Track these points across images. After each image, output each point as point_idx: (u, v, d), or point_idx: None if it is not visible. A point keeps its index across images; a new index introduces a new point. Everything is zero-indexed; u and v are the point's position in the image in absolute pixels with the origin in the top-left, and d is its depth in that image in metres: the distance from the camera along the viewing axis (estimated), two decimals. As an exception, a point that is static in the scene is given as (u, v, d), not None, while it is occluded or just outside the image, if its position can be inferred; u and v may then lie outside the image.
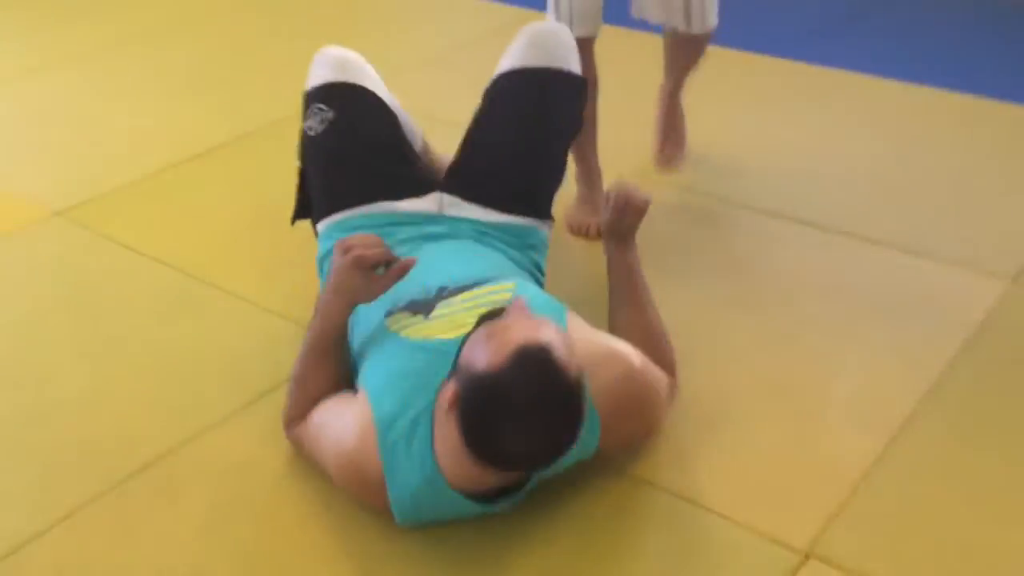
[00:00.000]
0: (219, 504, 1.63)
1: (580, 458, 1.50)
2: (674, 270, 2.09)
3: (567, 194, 2.14)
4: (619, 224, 1.74)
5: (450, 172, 1.94)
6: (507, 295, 1.58)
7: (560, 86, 1.92)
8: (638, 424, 1.58)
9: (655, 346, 1.67)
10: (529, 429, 1.33)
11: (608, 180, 2.15)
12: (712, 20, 2.13)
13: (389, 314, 1.62)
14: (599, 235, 1.98)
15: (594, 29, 2.12)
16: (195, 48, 3.42)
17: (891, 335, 1.93)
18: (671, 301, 1.84)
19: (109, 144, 2.81)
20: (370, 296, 1.60)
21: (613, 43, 2.32)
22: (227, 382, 1.88)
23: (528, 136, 1.89)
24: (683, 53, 2.28)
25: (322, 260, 1.90)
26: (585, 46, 2.07)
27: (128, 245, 2.32)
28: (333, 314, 1.60)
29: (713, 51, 2.30)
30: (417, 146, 2.05)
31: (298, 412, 1.64)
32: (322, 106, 1.92)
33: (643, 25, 2.19)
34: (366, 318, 1.66)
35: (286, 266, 2.20)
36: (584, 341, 1.50)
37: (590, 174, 2.25)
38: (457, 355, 1.42)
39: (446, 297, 1.60)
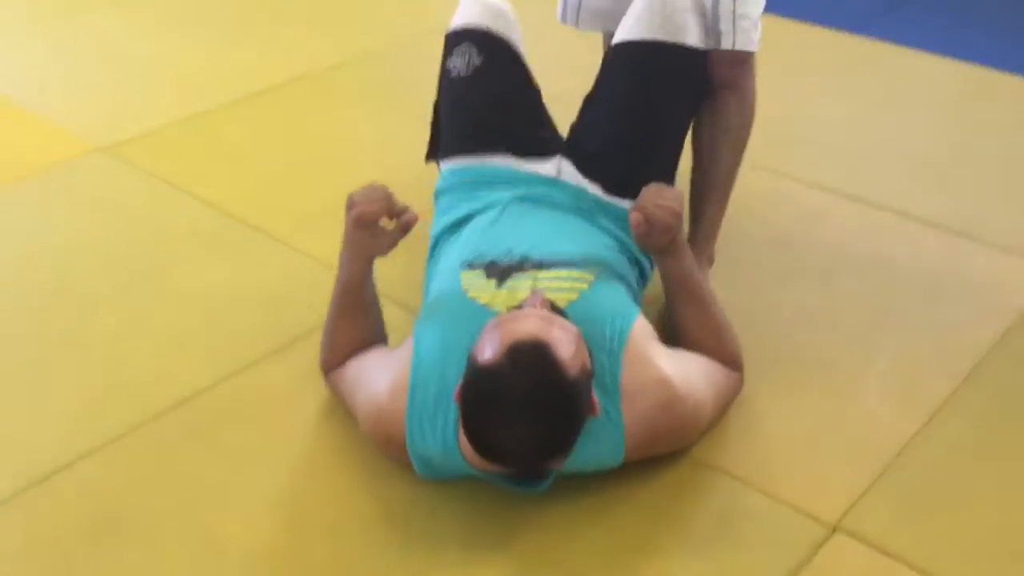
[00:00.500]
0: (251, 445, 1.64)
1: (603, 467, 1.49)
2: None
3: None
4: (649, 245, 1.62)
5: (570, 142, 1.89)
6: (583, 284, 1.55)
7: (676, 65, 1.79)
8: (668, 447, 1.55)
9: (715, 345, 1.63)
10: (514, 426, 1.32)
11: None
12: (755, 37, 1.79)
13: (468, 266, 1.61)
14: None
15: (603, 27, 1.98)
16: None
17: (931, 316, 1.91)
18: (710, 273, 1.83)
19: (155, 83, 2.82)
20: (380, 250, 1.60)
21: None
22: (262, 324, 1.90)
23: (637, 127, 1.82)
24: (727, 124, 1.86)
25: (438, 195, 1.89)
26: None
27: (171, 182, 2.33)
28: (351, 268, 1.61)
29: (763, 19, 2.25)
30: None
31: (331, 361, 1.66)
32: (472, 50, 1.87)
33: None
34: (447, 263, 1.66)
35: (327, 212, 2.18)
36: (638, 360, 1.47)
37: None
38: None
39: (525, 269, 1.57)
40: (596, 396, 1.40)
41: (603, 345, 1.46)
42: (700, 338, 1.63)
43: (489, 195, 1.78)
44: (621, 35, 1.82)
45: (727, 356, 1.64)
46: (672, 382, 1.49)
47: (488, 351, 1.33)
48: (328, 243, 2.09)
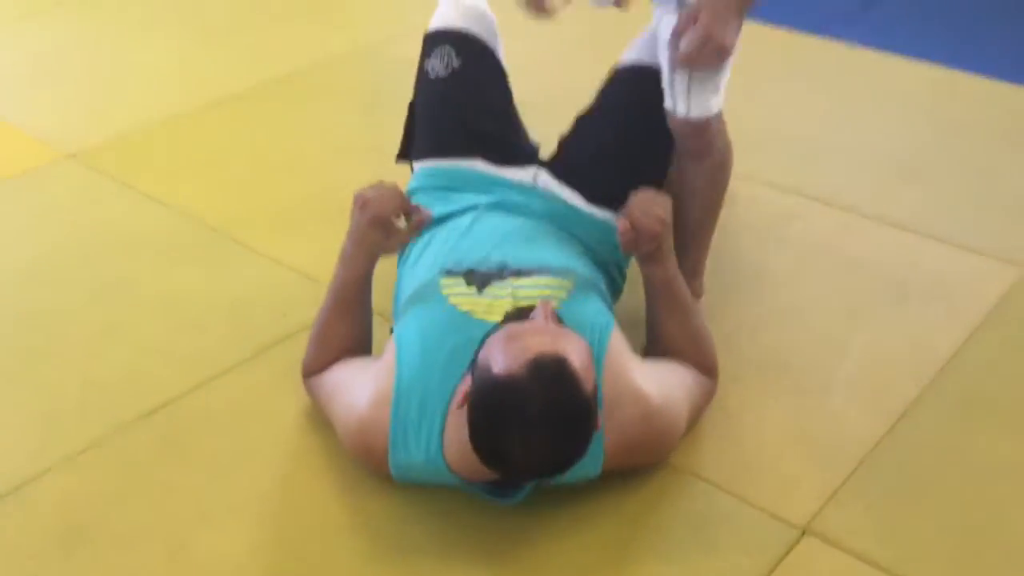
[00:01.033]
0: (224, 453, 1.64)
1: (581, 478, 1.49)
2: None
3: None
4: (635, 251, 1.63)
5: (558, 153, 1.89)
6: (561, 292, 1.55)
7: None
8: (644, 459, 1.56)
9: (694, 352, 1.64)
10: (533, 440, 1.32)
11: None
12: (713, 104, 1.67)
13: (447, 273, 1.61)
14: None
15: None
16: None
17: (900, 318, 1.93)
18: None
19: (125, 88, 2.81)
20: (390, 249, 1.61)
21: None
22: (235, 332, 1.89)
23: (630, 143, 1.82)
24: (692, 187, 1.79)
25: (410, 194, 1.87)
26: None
27: (142, 190, 2.32)
28: (356, 266, 1.61)
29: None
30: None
31: (317, 363, 1.65)
32: (451, 51, 1.88)
33: None
34: (424, 269, 1.66)
35: (300, 218, 2.20)
36: (616, 372, 1.48)
37: None
38: (479, 348, 1.41)
39: (504, 277, 1.58)
40: None
41: None
42: (679, 344, 1.64)
43: (463, 198, 1.78)
44: (626, 58, 1.86)
45: (704, 363, 1.65)
46: (649, 395, 1.49)
47: (507, 362, 1.32)
48: (301, 250, 2.10)
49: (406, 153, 1.97)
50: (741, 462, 1.61)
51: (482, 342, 1.42)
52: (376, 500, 1.53)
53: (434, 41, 1.90)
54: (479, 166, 1.83)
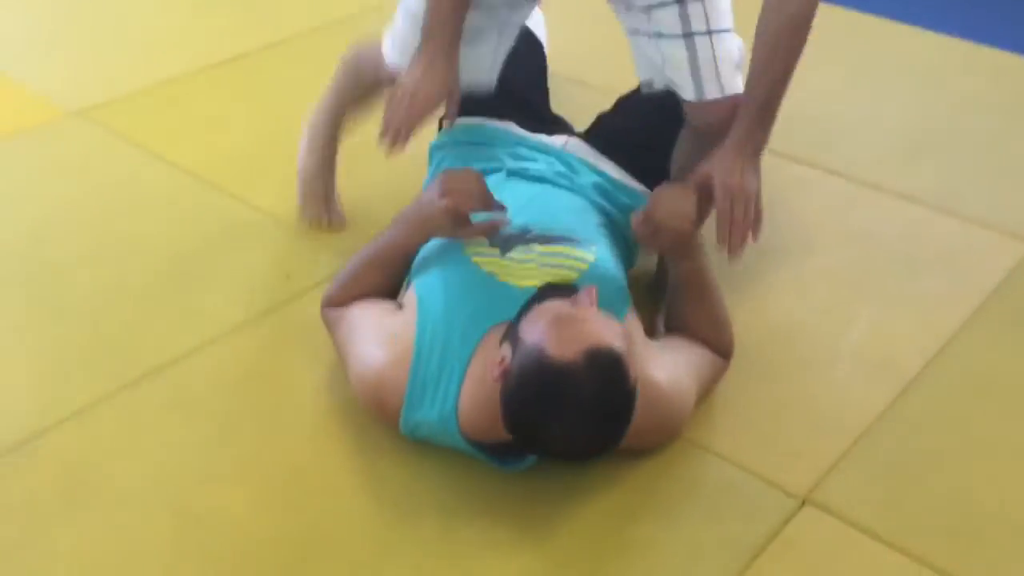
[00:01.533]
0: (230, 413, 1.64)
1: None
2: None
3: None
4: (658, 250, 1.61)
5: (590, 127, 1.89)
6: (584, 265, 1.54)
7: None
8: (651, 442, 1.55)
9: (712, 336, 1.63)
10: (577, 429, 1.32)
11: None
12: (736, 83, 1.63)
13: None
14: None
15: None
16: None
17: (907, 290, 1.92)
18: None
19: (131, 47, 2.78)
20: (452, 237, 1.58)
21: None
22: (238, 293, 1.89)
23: (672, 118, 1.77)
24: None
25: (434, 150, 1.88)
26: None
27: (146, 148, 2.31)
28: (410, 236, 1.60)
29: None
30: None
31: (340, 298, 1.64)
32: None
33: None
34: None
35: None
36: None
37: None
38: (517, 320, 1.40)
39: (527, 241, 1.57)
40: None
41: None
42: (699, 329, 1.64)
43: (491, 156, 1.77)
44: None
45: (721, 346, 1.65)
46: (657, 382, 1.48)
47: (562, 348, 1.30)
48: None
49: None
50: (745, 432, 1.61)
51: (517, 317, 1.40)
52: (383, 462, 1.54)
53: None
54: (511, 128, 1.83)
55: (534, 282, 1.48)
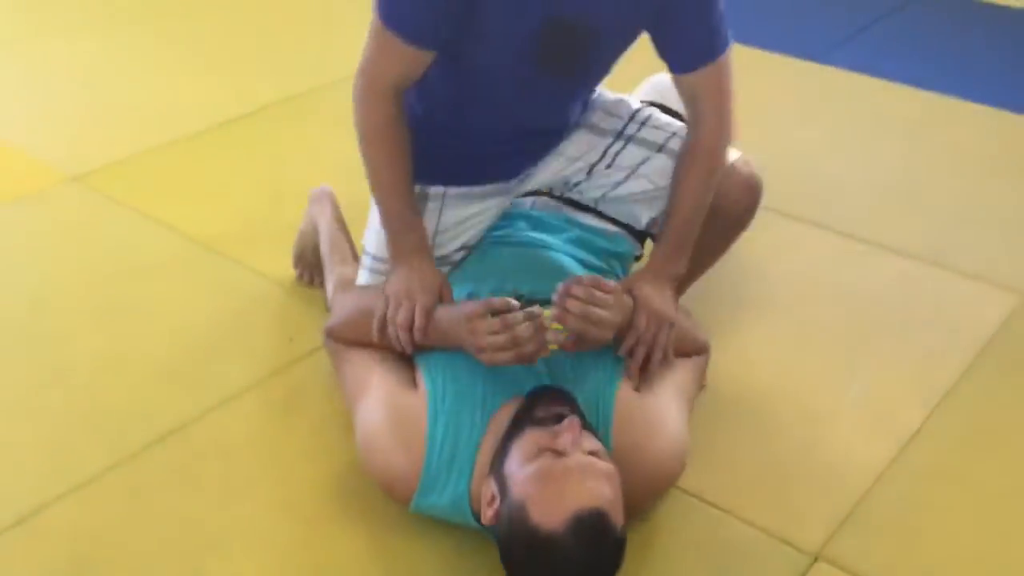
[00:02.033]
0: (234, 480, 1.64)
1: None
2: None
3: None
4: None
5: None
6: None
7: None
8: (645, 502, 1.55)
9: (686, 351, 1.65)
10: None
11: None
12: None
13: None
14: None
15: None
16: (218, 19, 3.40)
17: (903, 344, 1.95)
18: (683, 300, 1.85)
19: (128, 112, 2.80)
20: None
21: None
22: (240, 357, 1.89)
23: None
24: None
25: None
26: None
27: (146, 213, 2.32)
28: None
29: (735, 49, 2.29)
30: None
31: (342, 336, 1.64)
32: None
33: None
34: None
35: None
36: (622, 428, 1.49)
37: None
38: (503, 446, 1.39)
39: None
40: None
41: (591, 418, 1.46)
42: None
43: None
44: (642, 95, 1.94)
45: (696, 351, 1.68)
46: (648, 450, 1.49)
47: (544, 515, 1.29)
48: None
49: None
50: (750, 488, 1.62)
51: (508, 382, 1.42)
52: (390, 530, 1.53)
53: None
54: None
55: None
